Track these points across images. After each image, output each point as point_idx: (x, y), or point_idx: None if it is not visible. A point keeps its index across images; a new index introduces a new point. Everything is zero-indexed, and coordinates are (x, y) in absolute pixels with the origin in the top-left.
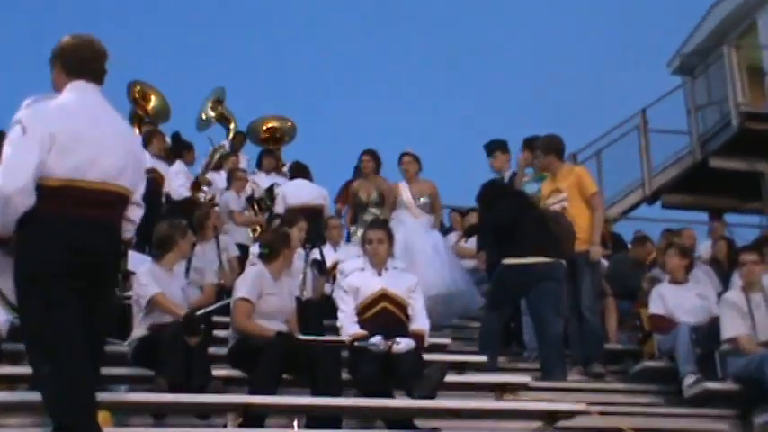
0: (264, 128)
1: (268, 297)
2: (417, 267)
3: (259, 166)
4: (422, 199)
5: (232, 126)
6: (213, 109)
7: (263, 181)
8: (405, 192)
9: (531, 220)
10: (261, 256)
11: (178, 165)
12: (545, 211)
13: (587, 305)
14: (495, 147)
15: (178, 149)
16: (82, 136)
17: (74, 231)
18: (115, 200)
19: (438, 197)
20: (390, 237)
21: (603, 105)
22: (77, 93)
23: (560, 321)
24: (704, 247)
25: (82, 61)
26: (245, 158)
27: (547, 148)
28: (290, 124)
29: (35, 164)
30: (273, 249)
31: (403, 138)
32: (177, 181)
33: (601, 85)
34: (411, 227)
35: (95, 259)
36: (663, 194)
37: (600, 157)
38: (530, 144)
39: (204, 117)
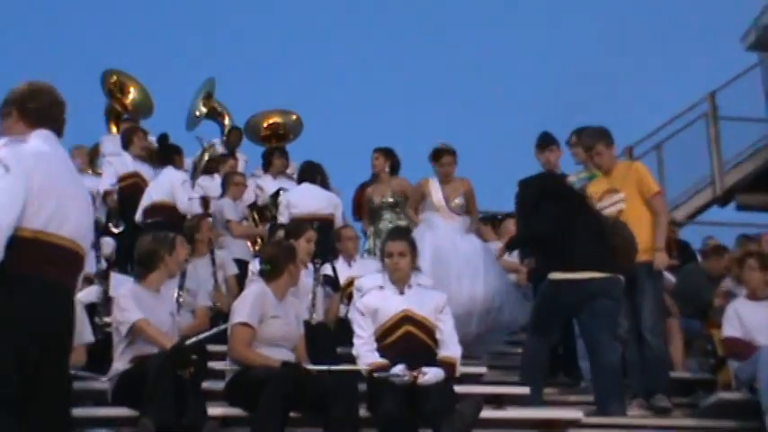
0: (266, 124)
1: (271, 321)
2: (450, 279)
3: (267, 167)
4: (456, 200)
5: (227, 122)
6: (205, 104)
7: (269, 185)
8: (436, 191)
9: (586, 226)
10: (262, 273)
11: (178, 173)
12: (602, 218)
13: (649, 326)
14: (552, 140)
15: (168, 154)
16: (57, 186)
17: (39, 293)
18: (77, 262)
19: (474, 196)
20: (413, 248)
21: (663, 90)
22: (45, 141)
23: (618, 346)
24: None
25: (42, 108)
26: (244, 159)
27: (609, 140)
28: (294, 118)
29: (22, 203)
30: (276, 265)
31: (420, 139)
32: (186, 193)
33: (659, 65)
34: (442, 231)
35: (54, 325)
36: (737, 194)
37: (660, 150)
38: (581, 136)
39: (198, 114)
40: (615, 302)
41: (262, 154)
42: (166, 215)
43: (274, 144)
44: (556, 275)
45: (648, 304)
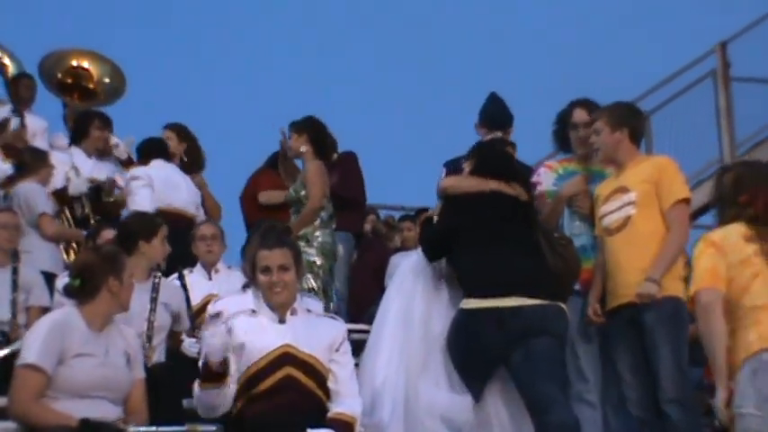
0: (71, 64)
1: (76, 362)
2: None
3: (80, 137)
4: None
5: (8, 66)
6: None
7: (84, 166)
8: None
9: (515, 235)
10: (68, 290)
11: None
12: (539, 227)
13: (671, 395)
14: (507, 119)
15: None
16: None
17: None
18: None
19: None
20: (297, 258)
21: (653, 40)
22: None
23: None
24: None
25: None
26: (42, 123)
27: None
28: (111, 70)
29: None
30: (90, 279)
31: None
32: None
33: (650, 10)
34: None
35: None
36: None
37: (649, 123)
38: (587, 107)
39: None
40: (558, 341)
41: (76, 120)
42: None
43: (77, 100)
44: (470, 303)
45: (667, 362)
